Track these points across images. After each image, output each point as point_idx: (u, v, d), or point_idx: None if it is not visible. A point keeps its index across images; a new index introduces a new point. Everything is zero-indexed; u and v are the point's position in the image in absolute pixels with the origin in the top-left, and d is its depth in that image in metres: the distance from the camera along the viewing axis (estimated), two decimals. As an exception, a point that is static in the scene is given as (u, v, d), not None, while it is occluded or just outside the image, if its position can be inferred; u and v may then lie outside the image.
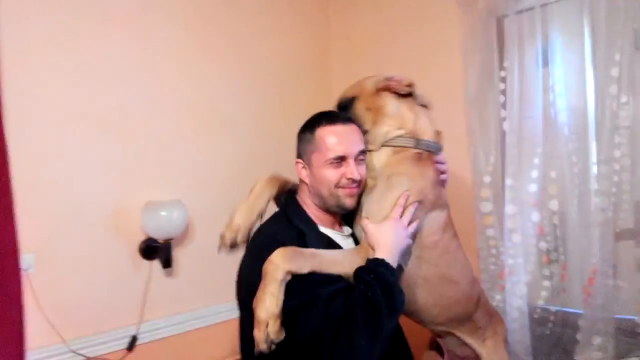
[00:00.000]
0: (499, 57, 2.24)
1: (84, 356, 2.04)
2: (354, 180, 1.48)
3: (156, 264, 2.23)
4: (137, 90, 2.22)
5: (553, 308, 2.16)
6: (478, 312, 1.70)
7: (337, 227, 1.60)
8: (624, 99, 1.92)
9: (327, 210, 1.54)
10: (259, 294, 1.31)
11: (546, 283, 2.18)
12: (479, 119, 2.27)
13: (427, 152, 1.60)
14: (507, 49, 2.17)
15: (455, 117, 2.40)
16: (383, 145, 1.59)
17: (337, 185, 1.48)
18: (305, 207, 1.56)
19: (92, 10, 2.10)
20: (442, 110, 2.50)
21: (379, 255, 1.37)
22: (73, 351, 2.01)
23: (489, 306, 1.80)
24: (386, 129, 1.58)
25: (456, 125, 2.39)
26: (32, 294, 1.92)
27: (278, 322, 1.28)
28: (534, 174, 2.13)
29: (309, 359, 1.28)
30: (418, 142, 1.59)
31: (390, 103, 1.59)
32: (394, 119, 1.58)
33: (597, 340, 2.00)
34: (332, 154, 1.47)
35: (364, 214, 1.53)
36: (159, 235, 2.13)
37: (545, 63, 2.10)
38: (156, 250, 2.19)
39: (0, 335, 1.80)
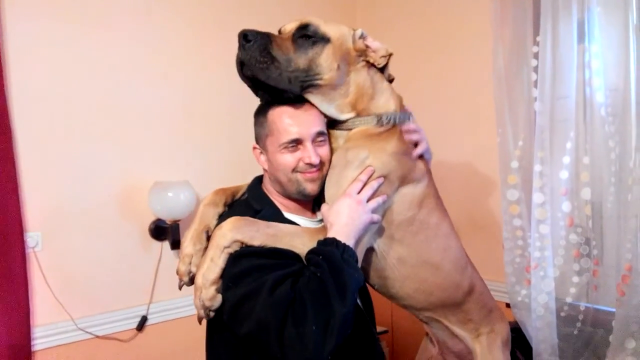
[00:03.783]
0: (532, 31, 2.03)
1: (93, 334, 2.05)
2: (312, 165, 1.35)
3: (166, 245, 2.20)
4: (146, 70, 2.19)
5: (582, 305, 1.99)
6: (470, 303, 1.55)
7: (308, 214, 1.48)
8: (670, 78, 1.70)
9: (289, 197, 1.42)
10: (201, 259, 1.26)
11: (576, 279, 2.00)
12: (508, 98, 2.06)
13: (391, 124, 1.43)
14: (541, 21, 1.96)
15: (482, 96, 2.23)
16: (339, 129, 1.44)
17: (294, 170, 1.36)
18: (269, 195, 1.45)
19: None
20: (467, 89, 2.36)
21: (331, 234, 1.24)
22: (81, 329, 2.02)
23: (489, 301, 1.63)
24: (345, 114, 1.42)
25: (483, 105, 2.24)
26: (39, 271, 1.94)
27: (213, 288, 1.22)
28: (566, 159, 1.93)
29: (260, 349, 1.19)
30: (379, 119, 1.41)
31: (361, 77, 1.41)
32: (353, 96, 1.41)
33: (632, 343, 1.82)
34: (286, 138, 1.34)
35: (326, 198, 1.39)
36: (167, 216, 2.10)
37: (582, 37, 1.89)
38: (165, 232, 2.16)
39: (6, 312, 1.82)
